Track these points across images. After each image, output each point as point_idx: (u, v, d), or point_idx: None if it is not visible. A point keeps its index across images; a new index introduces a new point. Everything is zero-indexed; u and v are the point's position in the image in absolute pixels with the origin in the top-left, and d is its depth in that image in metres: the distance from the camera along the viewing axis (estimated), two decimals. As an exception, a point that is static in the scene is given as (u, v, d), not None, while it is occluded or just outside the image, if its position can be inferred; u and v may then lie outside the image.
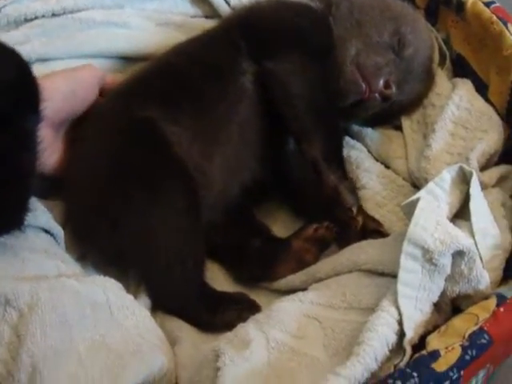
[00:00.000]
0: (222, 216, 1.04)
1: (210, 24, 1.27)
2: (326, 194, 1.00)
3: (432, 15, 1.25)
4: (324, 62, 1.07)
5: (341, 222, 1.02)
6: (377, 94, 1.06)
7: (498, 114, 1.10)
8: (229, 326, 0.90)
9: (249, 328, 0.86)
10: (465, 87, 1.13)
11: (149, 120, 0.99)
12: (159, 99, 1.02)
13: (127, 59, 1.25)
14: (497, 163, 1.07)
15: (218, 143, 1.02)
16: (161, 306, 0.98)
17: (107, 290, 0.90)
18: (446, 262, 0.81)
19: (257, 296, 1.00)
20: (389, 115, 1.16)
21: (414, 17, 1.17)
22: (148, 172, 0.96)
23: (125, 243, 0.97)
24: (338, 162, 1.05)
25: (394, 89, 1.07)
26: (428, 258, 0.81)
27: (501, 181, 1.03)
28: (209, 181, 1.01)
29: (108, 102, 1.06)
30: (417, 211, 0.83)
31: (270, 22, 1.12)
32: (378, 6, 1.15)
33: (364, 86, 1.05)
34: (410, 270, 0.81)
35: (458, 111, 1.09)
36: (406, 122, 1.16)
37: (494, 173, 1.02)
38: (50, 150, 1.00)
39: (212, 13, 1.34)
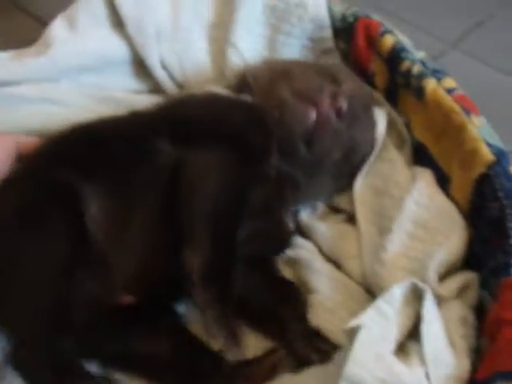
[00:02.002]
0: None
1: (153, 100, 1.18)
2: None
3: (392, 97, 1.16)
4: (257, 164, 0.98)
5: None
6: (327, 109, 0.97)
7: (461, 211, 1.00)
8: None
9: None
10: (425, 180, 1.03)
11: (63, 182, 0.91)
12: (77, 164, 0.94)
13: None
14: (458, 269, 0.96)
15: (133, 217, 0.93)
16: None
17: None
18: (389, 402, 0.71)
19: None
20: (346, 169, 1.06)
21: (346, 69, 1.13)
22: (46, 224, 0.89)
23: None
24: (221, 282, 0.90)
25: (343, 100, 0.98)
26: (368, 399, 0.71)
27: (462, 291, 0.92)
28: (123, 252, 0.92)
29: (21, 169, 0.99)
30: (355, 344, 0.73)
31: (198, 110, 1.02)
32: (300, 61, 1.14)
33: (310, 105, 0.97)
34: (348, 412, 0.71)
35: (417, 209, 0.99)
36: (360, 211, 1.06)
37: (455, 283, 0.91)
38: None
39: (157, 88, 1.26)
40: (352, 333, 0.76)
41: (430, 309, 0.81)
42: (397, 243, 0.96)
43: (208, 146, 0.94)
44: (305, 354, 0.90)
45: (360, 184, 1.08)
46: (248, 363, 0.92)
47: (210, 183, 0.92)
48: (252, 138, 0.98)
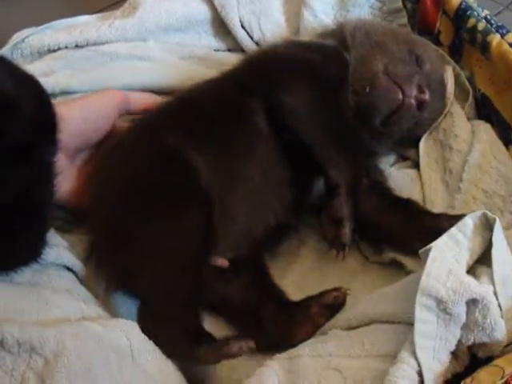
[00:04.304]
0: (245, 253, 1.04)
1: (232, 57, 1.29)
2: (330, 219, 1.01)
3: (456, 53, 1.24)
4: (339, 91, 1.08)
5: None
6: (412, 100, 1.05)
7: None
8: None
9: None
10: (485, 138, 1.13)
11: (175, 148, 1.00)
12: (185, 131, 1.02)
13: (151, 92, 1.24)
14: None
15: (240, 179, 1.02)
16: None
17: (129, 334, 0.89)
18: (461, 310, 0.80)
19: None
20: (411, 136, 1.16)
21: (422, 40, 1.21)
22: (170, 193, 0.97)
23: (134, 259, 0.97)
24: (355, 197, 1.03)
25: (427, 93, 1.07)
26: (442, 307, 0.80)
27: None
28: (231, 215, 1.01)
29: (133, 131, 1.07)
30: (428, 262, 0.83)
31: (279, 58, 1.13)
32: (390, 32, 1.18)
33: (399, 91, 1.05)
34: (425, 320, 0.80)
35: (478, 173, 1.09)
36: (423, 160, 1.16)
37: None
38: (63, 178, 0.99)
39: (235, 46, 1.36)
40: (427, 253, 0.84)
41: (499, 236, 0.89)
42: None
43: (294, 85, 1.06)
44: None
45: (425, 138, 1.17)
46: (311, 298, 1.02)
47: (313, 112, 1.04)
48: (328, 69, 1.09)
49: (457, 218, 0.91)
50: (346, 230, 0.99)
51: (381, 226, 1.06)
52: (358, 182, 1.04)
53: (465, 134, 1.13)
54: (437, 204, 1.10)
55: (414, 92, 1.05)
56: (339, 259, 1.03)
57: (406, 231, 1.04)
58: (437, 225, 0.99)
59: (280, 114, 1.04)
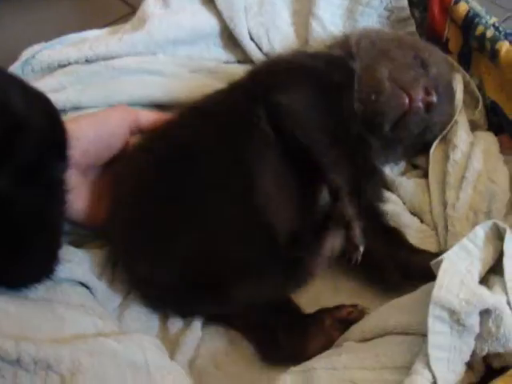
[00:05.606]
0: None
1: (242, 69, 1.28)
2: (338, 223, 0.99)
3: (465, 60, 1.25)
4: (341, 98, 1.08)
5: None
6: (419, 103, 1.06)
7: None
8: None
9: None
10: (482, 154, 1.12)
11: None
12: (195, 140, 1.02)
13: (161, 106, 1.25)
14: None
15: (255, 191, 1.00)
16: None
17: (145, 349, 0.90)
18: (474, 321, 0.80)
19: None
20: (422, 141, 1.17)
21: (428, 45, 1.20)
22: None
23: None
24: (359, 198, 1.00)
25: (434, 95, 1.07)
26: (455, 318, 0.80)
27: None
28: None
29: (142, 143, 1.07)
30: (440, 273, 0.83)
31: (281, 63, 1.14)
32: (394, 38, 1.19)
33: (405, 96, 1.06)
34: (438, 332, 0.80)
35: (473, 194, 1.10)
36: (431, 172, 1.16)
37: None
38: (76, 195, 0.99)
39: (244, 58, 1.36)
40: (438, 265, 0.85)
41: (510, 245, 0.88)
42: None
43: (293, 87, 1.05)
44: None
45: (435, 146, 1.18)
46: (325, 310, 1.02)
47: (309, 115, 1.04)
48: (329, 75, 1.09)
49: (432, 256, 0.91)
50: (356, 231, 0.97)
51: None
52: (359, 182, 1.02)
53: (464, 146, 1.14)
54: (438, 218, 1.11)
55: (420, 95, 1.06)
56: (354, 262, 0.99)
57: (386, 260, 1.05)
58: (412, 260, 1.02)
59: (277, 116, 1.03)
